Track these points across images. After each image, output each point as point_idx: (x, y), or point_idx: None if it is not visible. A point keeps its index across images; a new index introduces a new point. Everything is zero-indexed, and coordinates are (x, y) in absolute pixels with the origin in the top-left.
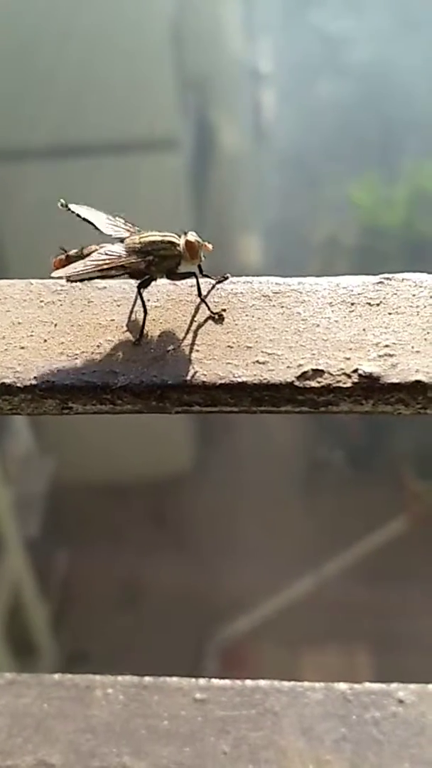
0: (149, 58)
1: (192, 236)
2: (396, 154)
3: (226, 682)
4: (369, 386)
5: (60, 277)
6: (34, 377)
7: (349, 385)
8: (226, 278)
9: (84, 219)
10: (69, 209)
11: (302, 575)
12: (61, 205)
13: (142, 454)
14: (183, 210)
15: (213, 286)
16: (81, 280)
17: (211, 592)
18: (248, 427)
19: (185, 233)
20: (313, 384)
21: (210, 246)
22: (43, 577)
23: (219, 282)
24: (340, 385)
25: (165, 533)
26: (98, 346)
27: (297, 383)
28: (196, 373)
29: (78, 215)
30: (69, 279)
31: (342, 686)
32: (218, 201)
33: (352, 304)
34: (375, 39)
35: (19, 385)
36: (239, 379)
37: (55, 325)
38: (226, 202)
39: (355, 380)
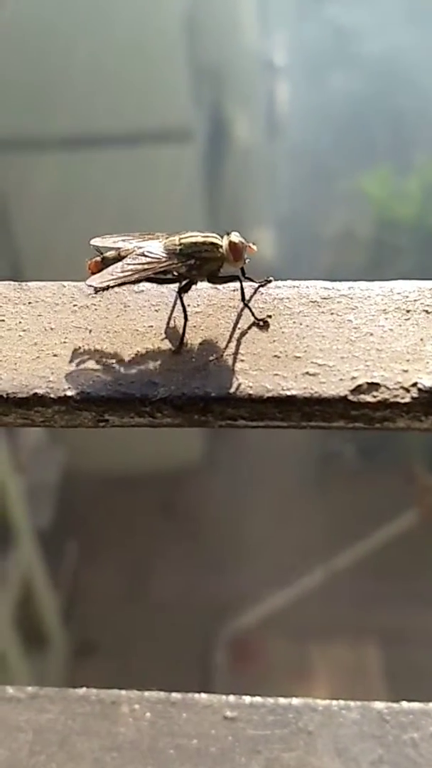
0: (163, 50)
1: (236, 237)
2: (409, 147)
3: (258, 699)
4: (429, 401)
5: (92, 287)
6: (69, 387)
7: (407, 400)
8: (270, 281)
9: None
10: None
11: (312, 568)
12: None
13: (152, 446)
14: (196, 201)
15: (256, 290)
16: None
17: (220, 584)
18: None
19: (228, 233)
20: (369, 399)
21: (255, 247)
22: (54, 566)
23: (262, 285)
24: (398, 400)
25: (175, 525)
26: (136, 355)
27: (351, 398)
28: (241, 384)
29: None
30: (97, 290)
31: (379, 705)
32: (231, 192)
33: (408, 311)
34: (388, 32)
35: (52, 396)
36: (288, 392)
37: (90, 331)
38: (239, 193)
39: (414, 395)
